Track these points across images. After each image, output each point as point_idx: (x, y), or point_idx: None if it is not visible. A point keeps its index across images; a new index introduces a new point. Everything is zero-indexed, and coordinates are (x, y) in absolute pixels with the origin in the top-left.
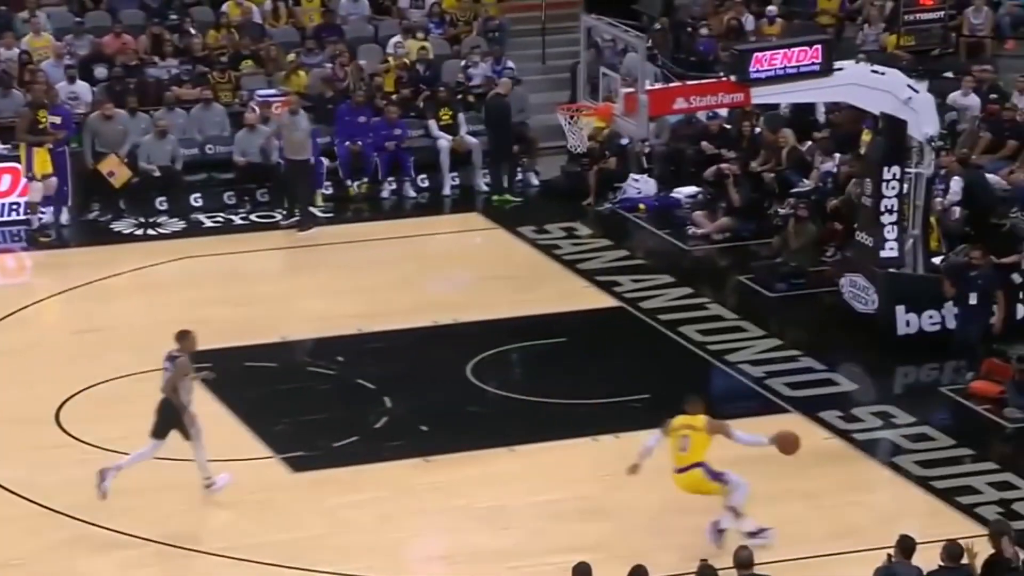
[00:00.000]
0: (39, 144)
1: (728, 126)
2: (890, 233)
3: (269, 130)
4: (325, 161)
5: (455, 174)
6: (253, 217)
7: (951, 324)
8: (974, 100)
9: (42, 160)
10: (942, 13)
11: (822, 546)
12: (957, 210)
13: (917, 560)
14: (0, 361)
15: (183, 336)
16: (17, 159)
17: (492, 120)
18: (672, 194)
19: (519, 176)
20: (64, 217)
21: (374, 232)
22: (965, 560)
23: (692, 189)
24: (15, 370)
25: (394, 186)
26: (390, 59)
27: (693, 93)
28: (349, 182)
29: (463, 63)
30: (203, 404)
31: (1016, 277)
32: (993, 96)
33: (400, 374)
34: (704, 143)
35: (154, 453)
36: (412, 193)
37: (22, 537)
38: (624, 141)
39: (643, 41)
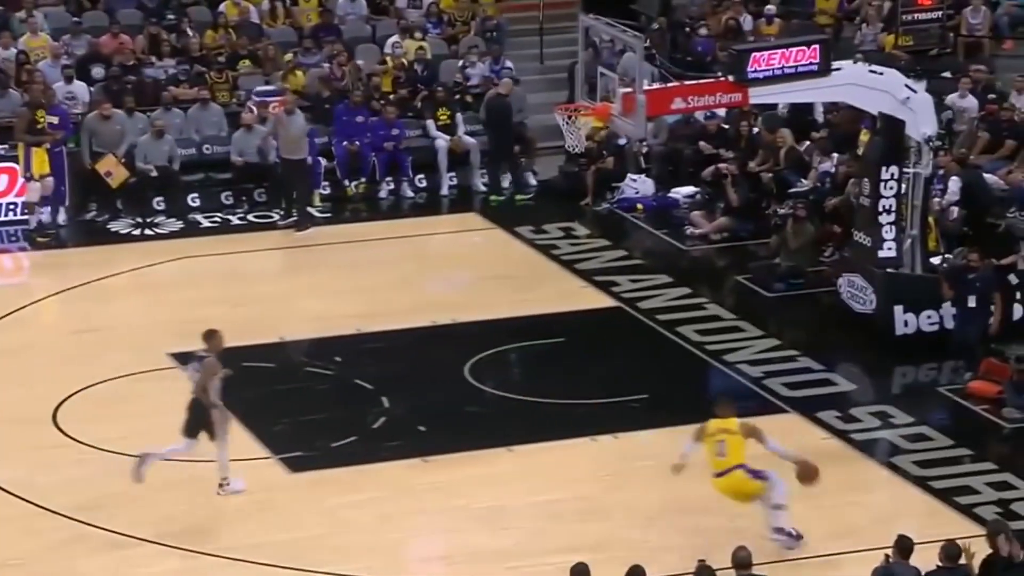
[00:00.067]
0: (38, 144)
1: (726, 126)
2: (888, 233)
3: (266, 130)
4: (323, 161)
5: (453, 174)
6: (251, 217)
7: (949, 324)
8: (972, 102)
9: (40, 160)
10: (940, 13)
11: (820, 546)
12: (955, 210)
13: (915, 560)
14: None
15: (210, 335)
16: (14, 159)
17: (493, 120)
18: (670, 194)
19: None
20: (61, 217)
21: (372, 232)
22: (963, 560)
23: (690, 189)
24: (13, 370)
25: (392, 186)
26: (388, 59)
27: (691, 93)
28: (347, 182)
29: (461, 63)
30: None
31: (1013, 278)
32: (992, 96)
33: (398, 374)
34: (702, 143)
35: (190, 451)
36: (410, 193)
37: (20, 537)
38: (622, 141)
39: (641, 41)
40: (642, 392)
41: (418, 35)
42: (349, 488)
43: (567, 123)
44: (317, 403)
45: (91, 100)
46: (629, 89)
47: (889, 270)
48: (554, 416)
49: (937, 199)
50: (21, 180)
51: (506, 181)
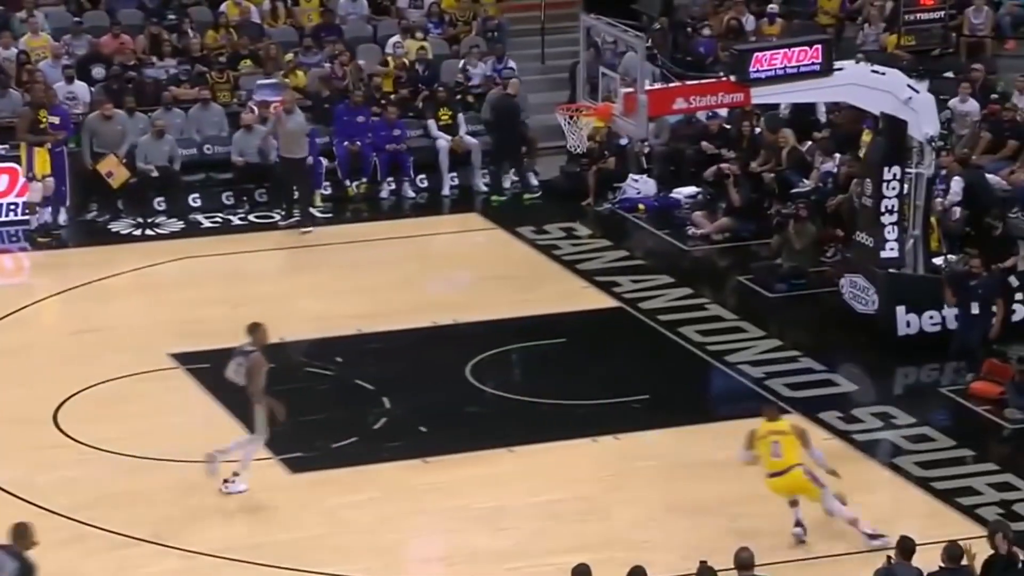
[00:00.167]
0: (40, 144)
1: (728, 126)
2: (890, 233)
3: (266, 129)
4: (324, 161)
5: (454, 174)
6: (251, 217)
7: (952, 325)
8: (973, 106)
9: (42, 160)
10: (942, 13)
11: (822, 547)
12: (957, 210)
13: (917, 561)
14: None
15: (254, 328)
16: (15, 159)
17: (499, 120)
18: (672, 194)
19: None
20: (62, 217)
21: (373, 232)
22: (965, 561)
23: (692, 189)
24: (13, 370)
25: (393, 186)
26: (389, 59)
27: (693, 93)
28: (348, 182)
29: (462, 63)
30: (202, 405)
31: (1013, 280)
32: (994, 96)
33: (399, 375)
34: (704, 143)
35: (260, 445)
36: (411, 193)
37: None
38: (623, 141)
39: (642, 41)
40: (643, 392)
41: (419, 35)
42: (349, 488)
43: (569, 123)
44: (318, 403)
45: (92, 100)
46: (631, 89)
47: (891, 270)
48: (555, 416)
49: (939, 199)
50: (22, 180)
51: (508, 181)
